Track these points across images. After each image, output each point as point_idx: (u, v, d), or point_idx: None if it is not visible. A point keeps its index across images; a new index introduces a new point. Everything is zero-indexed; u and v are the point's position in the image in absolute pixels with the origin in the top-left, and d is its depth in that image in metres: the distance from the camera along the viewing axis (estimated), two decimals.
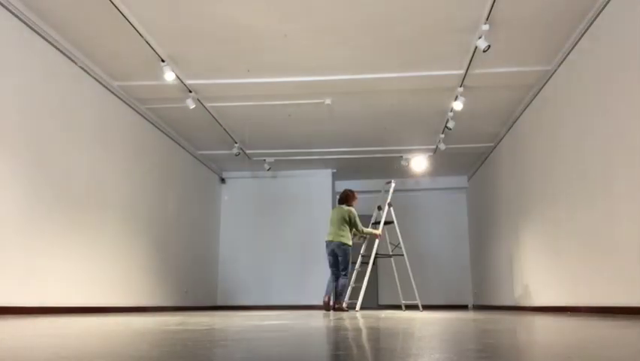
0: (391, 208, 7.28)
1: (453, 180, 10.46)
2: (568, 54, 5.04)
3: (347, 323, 3.21)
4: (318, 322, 3.32)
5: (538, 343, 1.78)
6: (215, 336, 2.08)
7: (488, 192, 8.68)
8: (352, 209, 6.66)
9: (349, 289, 6.83)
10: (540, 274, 6.07)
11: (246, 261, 9.61)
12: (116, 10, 4.42)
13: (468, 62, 5.35)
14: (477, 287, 9.84)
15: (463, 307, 9.85)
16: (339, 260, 6.41)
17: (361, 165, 9.48)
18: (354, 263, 7.05)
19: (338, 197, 6.93)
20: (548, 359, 1.33)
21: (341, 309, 6.30)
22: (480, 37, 4.71)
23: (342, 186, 10.70)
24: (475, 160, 9.16)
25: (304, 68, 5.61)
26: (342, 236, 6.44)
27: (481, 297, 9.45)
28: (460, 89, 5.89)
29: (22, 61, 4.48)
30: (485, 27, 4.61)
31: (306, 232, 9.51)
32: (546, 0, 4.36)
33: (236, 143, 7.97)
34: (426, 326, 2.74)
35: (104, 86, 5.74)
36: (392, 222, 7.28)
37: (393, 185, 7.49)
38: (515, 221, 7.11)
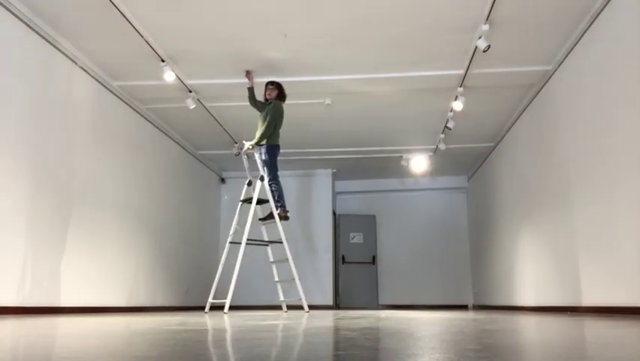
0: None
1: (453, 180, 10.46)
2: (568, 54, 5.04)
3: (347, 323, 3.21)
4: (319, 322, 3.32)
5: (538, 343, 1.78)
6: (215, 336, 2.08)
7: (488, 192, 8.68)
8: None
9: None
10: (540, 274, 6.06)
11: (245, 261, 9.58)
12: (116, 9, 4.42)
13: (468, 62, 5.34)
14: (477, 287, 9.84)
15: (463, 307, 9.85)
16: None
17: (361, 165, 9.47)
18: None
19: None
20: (548, 359, 1.33)
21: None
22: (480, 37, 4.71)
23: (343, 186, 10.72)
24: (475, 160, 9.16)
25: (304, 68, 5.61)
26: None
27: (481, 297, 9.44)
28: (460, 89, 5.89)
29: (22, 61, 4.48)
30: (485, 27, 4.61)
31: (306, 231, 9.50)
32: (546, 0, 4.36)
33: (236, 143, 7.97)
34: (426, 326, 2.74)
35: (104, 86, 5.73)
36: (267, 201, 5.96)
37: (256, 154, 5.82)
38: (515, 221, 7.11)
